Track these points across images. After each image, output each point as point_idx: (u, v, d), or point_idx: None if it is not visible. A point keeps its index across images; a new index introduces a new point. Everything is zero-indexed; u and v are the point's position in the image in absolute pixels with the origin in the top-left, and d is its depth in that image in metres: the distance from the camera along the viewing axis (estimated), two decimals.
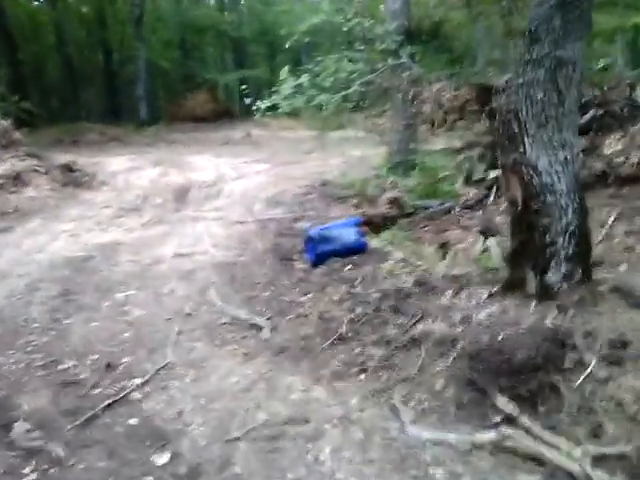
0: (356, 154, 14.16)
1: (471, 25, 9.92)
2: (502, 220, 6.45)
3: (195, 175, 12.54)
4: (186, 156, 15.21)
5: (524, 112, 3.89)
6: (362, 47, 8.90)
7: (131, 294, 5.80)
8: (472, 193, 7.05)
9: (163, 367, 4.32)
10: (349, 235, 5.96)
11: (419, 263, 5.82)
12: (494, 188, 6.81)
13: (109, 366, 4.38)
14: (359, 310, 4.68)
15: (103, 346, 4.69)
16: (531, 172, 3.92)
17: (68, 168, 12.20)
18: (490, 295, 4.26)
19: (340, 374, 4.01)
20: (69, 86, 24.31)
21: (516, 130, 3.92)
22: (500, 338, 3.62)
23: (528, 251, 4.07)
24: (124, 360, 4.47)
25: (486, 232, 6.32)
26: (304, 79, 8.59)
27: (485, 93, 6.90)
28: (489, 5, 9.29)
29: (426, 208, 7.34)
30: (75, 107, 24.82)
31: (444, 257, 6.05)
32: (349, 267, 5.75)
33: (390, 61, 8.65)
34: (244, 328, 4.85)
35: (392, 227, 6.87)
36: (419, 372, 3.79)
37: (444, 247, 6.34)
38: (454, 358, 3.73)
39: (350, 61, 8.94)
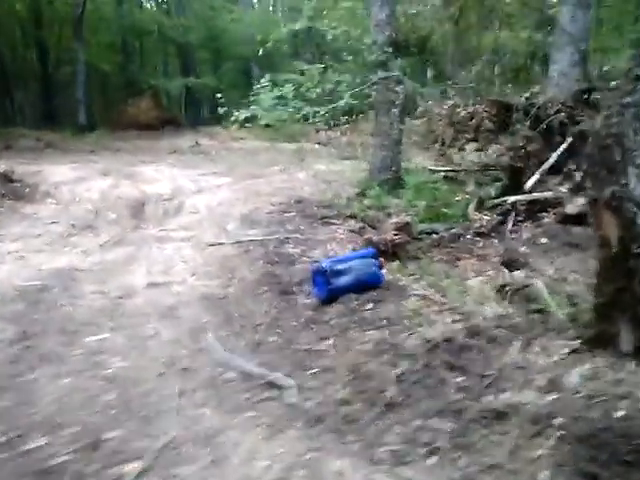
0: (321, 168, 13.34)
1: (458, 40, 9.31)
2: (527, 251, 5.76)
3: (149, 187, 11.41)
4: (136, 166, 14.03)
5: (630, 137, 3.15)
6: (349, 57, 8.09)
7: (105, 338, 4.78)
8: (486, 219, 6.34)
9: (166, 445, 3.34)
10: (366, 268, 5.13)
11: (444, 300, 5.03)
12: (512, 214, 6.10)
13: (94, 445, 3.36)
14: (404, 365, 3.84)
15: (82, 413, 3.70)
16: (634, 209, 3.19)
17: (6, 178, 10.88)
18: (572, 351, 3.50)
19: (402, 456, 3.17)
20: (1, 87, 22.52)
21: (618, 158, 3.19)
22: (618, 415, 2.84)
23: (624, 301, 3.34)
24: (112, 435, 3.49)
25: (509, 264, 5.60)
26: (288, 89, 7.71)
27: (504, 111, 6.24)
28: (478, 19, 8.67)
29: (431, 233, 6.58)
30: (8, 110, 23.02)
31: (466, 293, 5.27)
32: (370, 306, 4.88)
33: (380, 73, 7.87)
34: (259, 387, 3.94)
35: (401, 256, 6.04)
36: (511, 457, 2.97)
37: (463, 281, 5.56)
38: (556, 440, 2.92)
39: (335, 72, 8.13)
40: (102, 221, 9.16)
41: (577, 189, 5.97)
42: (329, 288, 5.00)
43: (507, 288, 5.10)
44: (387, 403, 3.55)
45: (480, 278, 5.69)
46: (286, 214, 8.79)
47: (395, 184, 8.86)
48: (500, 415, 3.17)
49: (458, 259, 6.16)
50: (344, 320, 4.74)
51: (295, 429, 3.45)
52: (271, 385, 3.93)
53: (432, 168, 7.79)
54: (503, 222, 6.34)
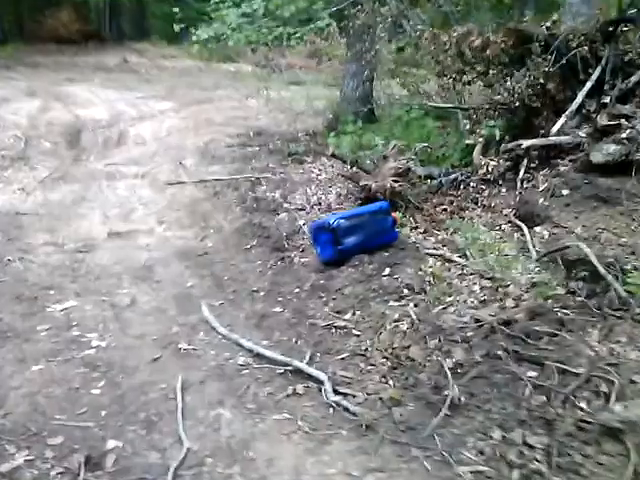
0: (273, 94, 12.27)
1: None
2: (545, 204, 5.15)
3: (84, 112, 10.12)
4: (63, 85, 12.54)
5: None
6: None
7: (72, 307, 3.89)
8: (492, 165, 5.67)
9: (183, 461, 2.59)
10: (379, 225, 4.39)
11: (464, 262, 4.40)
12: (525, 161, 5.45)
13: (89, 461, 2.58)
14: (459, 354, 3.18)
15: (64, 416, 2.86)
16: None
17: None
18: None
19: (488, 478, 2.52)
20: None
21: None
22: None
23: None
24: (110, 446, 2.72)
25: (526, 218, 4.98)
26: (257, 5, 6.64)
27: (522, 42, 5.48)
28: None
29: (427, 178, 5.87)
30: None
31: (485, 251, 4.65)
32: (387, 271, 4.17)
33: None
34: (282, 378, 3.22)
35: (401, 206, 5.33)
36: None
37: (476, 236, 4.93)
38: None
39: None
40: (35, 151, 7.96)
41: (600, 134, 5.36)
42: (339, 249, 4.24)
43: (536, 248, 4.48)
44: (449, 405, 2.86)
45: (494, 233, 5.05)
46: (249, 148, 7.88)
47: (369, 117, 8.04)
48: (609, 432, 2.55)
49: (462, 209, 5.48)
50: (360, 288, 4.03)
51: (343, 439, 2.78)
52: (296, 375, 3.18)
53: (432, 104, 6.98)
54: (513, 169, 5.67)
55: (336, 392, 3.07)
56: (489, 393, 2.95)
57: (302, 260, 4.59)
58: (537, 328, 3.29)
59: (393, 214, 4.55)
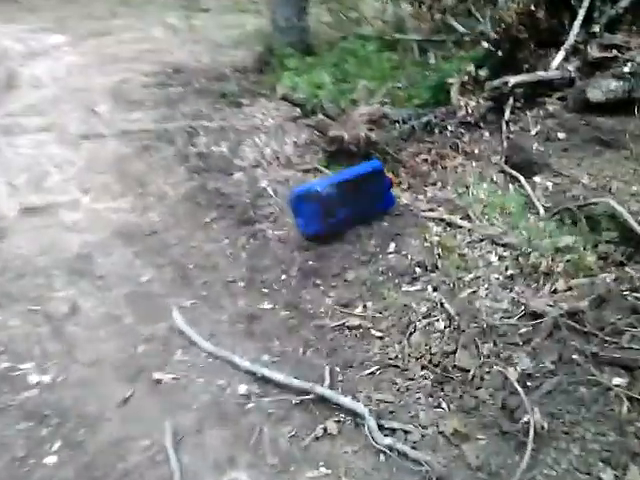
0: (174, 22, 10.85)
1: None
2: (540, 149, 4.52)
3: None
4: None
5: None
6: None
7: None
8: (472, 105, 4.94)
9: None
10: (375, 190, 3.60)
11: (469, 225, 3.72)
12: (510, 100, 4.76)
13: None
14: (524, 362, 2.51)
15: None
16: None
17: None
18: None
19: None
20: None
21: None
22: None
23: None
24: None
25: (521, 167, 4.35)
26: None
27: None
28: None
29: (396, 122, 5.08)
30: None
31: (488, 210, 4.00)
32: (391, 247, 3.42)
33: None
34: (301, 410, 2.42)
35: (376, 158, 4.54)
36: None
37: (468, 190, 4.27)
38: None
39: None
40: None
41: (591, 67, 4.74)
42: (330, 222, 3.42)
43: (548, 205, 3.85)
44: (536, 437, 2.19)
45: (486, 185, 4.38)
46: (171, 89, 6.76)
47: (307, 50, 7.07)
48: None
49: (443, 158, 4.75)
50: (365, 272, 3.27)
51: None
52: (320, 405, 2.41)
53: (398, 36, 6.09)
54: (495, 110, 4.97)
55: (380, 427, 2.30)
56: (576, 413, 2.31)
57: (277, 234, 3.75)
58: (612, 320, 2.63)
59: (388, 175, 3.74)
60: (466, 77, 4.94)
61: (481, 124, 4.93)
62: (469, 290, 3.15)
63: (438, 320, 2.87)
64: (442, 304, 3.01)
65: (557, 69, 4.83)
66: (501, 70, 4.92)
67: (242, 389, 2.54)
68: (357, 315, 3.02)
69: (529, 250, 3.52)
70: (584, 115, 4.64)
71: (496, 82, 4.76)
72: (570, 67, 4.84)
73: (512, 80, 4.75)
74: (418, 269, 3.35)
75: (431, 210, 4.01)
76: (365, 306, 3.08)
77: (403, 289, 3.19)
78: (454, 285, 3.20)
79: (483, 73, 4.90)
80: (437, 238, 3.65)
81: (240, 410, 2.43)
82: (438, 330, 2.81)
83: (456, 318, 2.84)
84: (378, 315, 2.99)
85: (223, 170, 4.60)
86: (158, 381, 2.56)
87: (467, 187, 4.33)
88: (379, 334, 2.86)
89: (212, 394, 2.51)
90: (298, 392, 2.50)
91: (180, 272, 3.40)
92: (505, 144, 4.68)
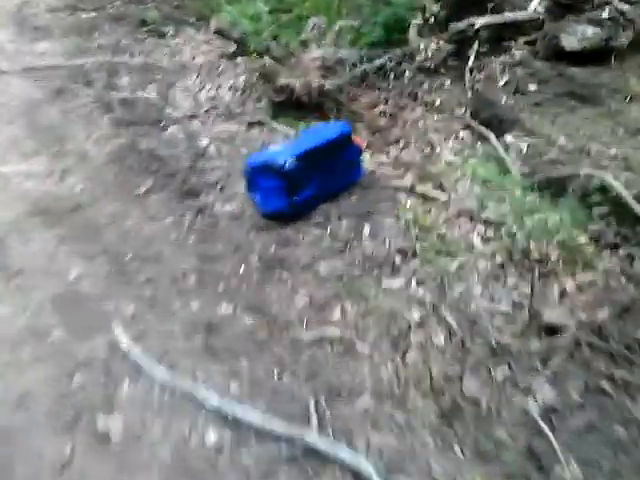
0: None
1: None
2: (509, 102, 4.12)
3: None
4: None
5: None
6: None
7: None
8: (432, 49, 4.43)
9: None
10: (344, 160, 3.10)
11: (443, 197, 3.35)
12: (475, 44, 4.29)
13: None
14: (543, 391, 2.18)
15: None
16: None
17: None
18: None
19: None
20: None
21: None
22: None
23: None
24: None
25: (489, 122, 3.97)
26: None
27: None
28: None
29: (348, 66, 4.51)
30: None
31: (461, 177, 3.62)
32: (366, 228, 2.98)
33: None
34: (289, 465, 2.00)
35: (328, 109, 4.01)
36: None
37: (435, 152, 3.87)
38: None
39: None
40: None
41: (562, 9, 4.29)
42: (295, 200, 2.90)
43: (525, 170, 3.49)
44: None
45: (452, 144, 3.95)
46: (83, 15, 5.89)
47: None
48: None
49: (402, 109, 4.27)
50: (339, 263, 2.83)
51: None
52: (310, 457, 2.00)
53: None
54: (457, 54, 4.47)
55: None
56: (614, 459, 1.97)
57: (229, 209, 3.21)
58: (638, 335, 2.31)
59: (356, 139, 3.22)
60: (427, 15, 4.36)
61: (442, 70, 4.43)
62: (460, 286, 2.75)
63: (436, 332, 2.45)
64: (435, 308, 2.58)
65: (525, 9, 4.33)
66: (461, 9, 4.38)
67: (211, 437, 2.06)
68: (336, 322, 2.55)
69: (513, 229, 3.13)
70: (556, 64, 4.23)
71: (462, 24, 4.22)
72: (539, 7, 4.35)
73: (479, 22, 4.24)
74: (397, 257, 2.91)
75: (398, 177, 3.53)
76: (344, 309, 2.62)
77: (384, 285, 2.76)
78: (441, 279, 2.78)
79: (442, 11, 4.34)
80: (411, 215, 3.19)
81: (211, 468, 1.96)
82: (437, 346, 2.40)
83: (457, 330, 2.43)
84: (361, 322, 2.54)
85: (154, 122, 3.95)
86: (104, 432, 2.02)
87: (432, 146, 3.88)
88: (366, 350, 2.42)
89: (174, 446, 2.02)
90: (281, 439, 2.04)
91: (116, 265, 2.81)
92: (470, 95, 4.22)
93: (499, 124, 3.95)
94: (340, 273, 2.78)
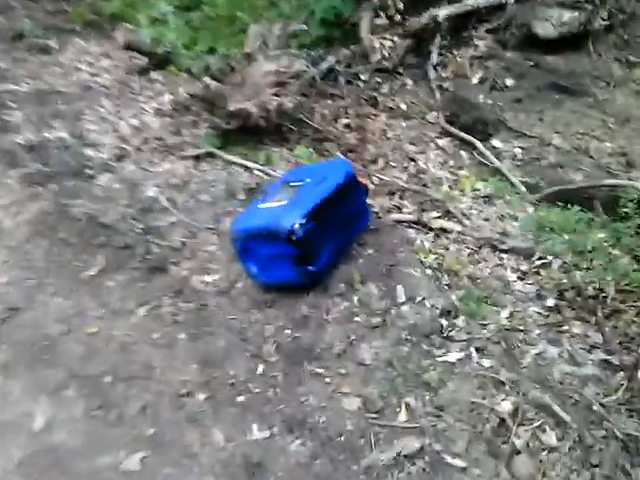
0: None
1: None
2: (487, 101, 3.70)
3: None
4: None
5: None
6: None
7: None
8: (388, 46, 3.88)
9: None
10: (354, 207, 2.53)
11: (457, 228, 2.87)
12: (437, 39, 3.80)
13: None
14: None
15: None
16: None
17: None
18: None
19: None
20: None
21: None
22: None
23: None
24: None
25: (471, 127, 3.56)
26: None
27: None
28: None
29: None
30: None
31: (461, 194, 3.16)
32: (399, 291, 2.41)
33: None
34: None
35: (285, 131, 3.39)
36: None
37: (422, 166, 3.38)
38: None
39: None
40: None
41: None
42: (310, 271, 2.27)
43: (525, 179, 3.09)
44: None
45: (433, 155, 3.48)
46: None
47: None
48: None
49: (363, 118, 3.72)
50: (381, 342, 2.23)
51: None
52: None
53: None
54: (416, 50, 3.94)
55: None
56: None
57: (211, 282, 2.50)
58: None
59: (361, 179, 2.61)
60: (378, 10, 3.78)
61: (401, 70, 3.88)
62: (528, 348, 2.24)
63: (538, 424, 1.92)
64: (518, 386, 2.06)
65: None
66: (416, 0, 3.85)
67: None
68: (407, 429, 1.96)
69: (548, 258, 2.68)
70: (529, 54, 3.82)
71: (424, 18, 3.68)
72: None
73: (441, 13, 3.72)
74: (442, 319, 2.35)
75: (398, 209, 2.97)
76: (409, 407, 2.03)
77: (441, 359, 2.17)
78: (504, 341, 2.25)
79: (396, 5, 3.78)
80: (434, 258, 2.64)
81: None
82: (549, 447, 1.86)
83: (561, 415, 1.91)
84: (438, 423, 1.96)
85: (77, 172, 3.14)
86: None
87: (413, 160, 3.35)
88: (460, 462, 1.85)
89: None
90: None
91: (94, 395, 2.04)
92: (439, 96, 3.71)
93: (481, 127, 3.50)
94: (388, 356, 2.19)
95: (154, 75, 3.97)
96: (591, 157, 3.32)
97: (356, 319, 2.31)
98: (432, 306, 2.40)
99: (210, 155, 3.33)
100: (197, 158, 3.31)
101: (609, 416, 1.95)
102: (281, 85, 3.34)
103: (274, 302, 2.42)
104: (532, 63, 3.74)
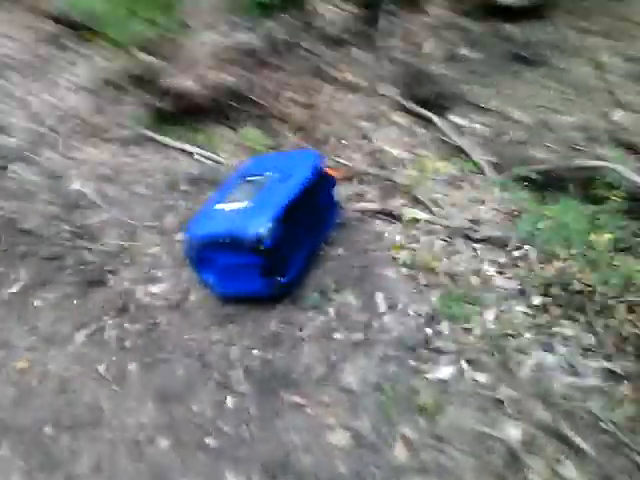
0: None
1: None
2: (442, 71, 3.47)
3: None
4: None
5: None
6: None
7: None
8: (334, 11, 3.54)
9: None
10: (323, 203, 2.23)
11: (425, 217, 2.67)
12: (386, 4, 3.50)
13: None
14: None
15: None
16: None
17: None
18: None
19: None
20: None
21: None
22: None
23: None
24: None
25: (427, 100, 3.35)
26: None
27: None
28: None
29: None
30: None
31: (426, 176, 2.95)
32: (379, 298, 2.16)
33: None
34: None
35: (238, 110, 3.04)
36: None
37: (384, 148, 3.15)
38: None
39: None
40: None
41: None
42: (279, 282, 1.97)
43: (488, 157, 2.90)
44: None
45: (388, 132, 3.23)
46: None
47: None
48: None
49: (311, 92, 3.40)
50: (366, 362, 2.00)
51: None
52: None
53: None
54: (363, 18, 3.61)
55: None
56: None
57: (159, 295, 2.15)
58: None
59: (328, 170, 2.30)
60: None
61: (346, 37, 3.55)
62: (521, 357, 2.04)
63: (556, 458, 1.72)
64: (520, 404, 1.86)
65: None
66: None
67: None
68: (410, 467, 1.72)
69: (524, 248, 2.50)
70: (486, 22, 3.54)
71: None
72: None
73: None
74: (427, 328, 2.11)
75: (360, 196, 2.69)
76: (406, 439, 1.79)
77: (432, 377, 1.94)
78: (492, 351, 2.04)
79: None
80: (406, 254, 2.39)
81: None
82: None
83: (583, 447, 1.72)
84: (442, 458, 1.73)
85: None
86: None
87: (367, 138, 3.07)
88: None
89: None
90: None
91: (34, 448, 1.67)
92: (389, 67, 3.42)
93: (437, 101, 3.23)
94: (374, 378, 1.91)
95: (71, 44, 3.44)
96: (553, 132, 3.12)
97: (335, 335, 2.01)
98: (415, 313, 2.13)
99: (142, 138, 2.89)
100: (126, 141, 2.86)
101: (624, 436, 1.75)
102: (221, 58, 2.92)
103: (236, 317, 2.10)
104: (490, 32, 3.49)
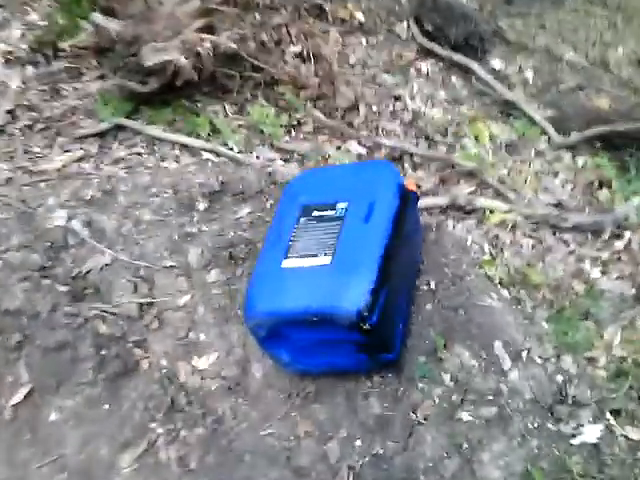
0: None
1: None
2: (475, 7, 2.90)
3: None
4: None
5: None
6: None
7: None
8: None
9: None
10: (414, 237, 1.69)
11: (504, 206, 2.19)
12: None
13: None
14: None
15: None
16: None
17: None
18: None
19: None
20: None
21: None
22: None
23: None
24: None
25: (458, 45, 2.83)
26: None
27: None
28: None
29: None
30: None
31: (480, 145, 2.46)
32: (507, 359, 1.71)
33: None
34: None
35: (224, 81, 2.40)
36: None
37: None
38: None
39: None
40: None
41: None
42: (388, 359, 1.47)
43: (550, 114, 2.44)
44: None
45: (418, 89, 2.73)
46: None
47: None
48: None
49: (310, 37, 2.78)
50: (515, 455, 1.52)
51: None
52: None
53: None
54: None
55: None
56: None
57: (202, 366, 1.65)
58: None
59: (408, 183, 1.74)
60: None
61: None
62: None
63: None
64: None
65: None
66: None
67: None
68: None
69: (626, 237, 2.10)
70: None
71: None
72: None
73: None
74: (557, 376, 1.68)
75: (417, 187, 2.17)
76: None
77: (578, 443, 1.55)
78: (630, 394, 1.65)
79: None
80: (499, 268, 1.97)
81: None
82: None
83: None
84: None
85: None
86: None
87: (398, 98, 2.53)
88: None
89: None
90: None
91: None
92: (407, 1, 2.81)
93: (474, 42, 2.65)
94: (520, 465, 1.52)
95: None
96: (610, 72, 2.62)
97: (461, 414, 1.52)
98: (541, 358, 1.66)
99: (124, 131, 2.22)
100: (106, 140, 2.19)
101: None
102: (209, 13, 2.23)
103: (321, 395, 1.60)
104: None
